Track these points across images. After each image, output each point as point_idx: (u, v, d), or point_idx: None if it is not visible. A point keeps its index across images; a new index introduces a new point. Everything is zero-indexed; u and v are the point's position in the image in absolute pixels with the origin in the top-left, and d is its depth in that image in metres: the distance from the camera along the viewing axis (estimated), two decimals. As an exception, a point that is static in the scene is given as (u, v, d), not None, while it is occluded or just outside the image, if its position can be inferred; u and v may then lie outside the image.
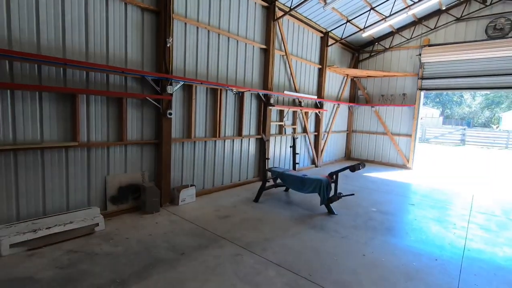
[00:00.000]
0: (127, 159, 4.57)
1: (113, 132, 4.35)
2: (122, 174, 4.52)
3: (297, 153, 6.39)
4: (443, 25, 8.95)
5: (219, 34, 5.73)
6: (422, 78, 9.46)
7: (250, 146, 6.85)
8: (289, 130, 8.11)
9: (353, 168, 4.73)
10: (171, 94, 4.82)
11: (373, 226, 4.51)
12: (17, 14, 3.33)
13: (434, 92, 9.63)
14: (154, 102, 4.71)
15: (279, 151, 7.77)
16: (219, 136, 5.95)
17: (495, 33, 8.13)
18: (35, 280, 2.74)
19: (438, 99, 43.60)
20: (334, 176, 5.03)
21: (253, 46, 6.55)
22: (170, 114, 4.80)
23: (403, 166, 10.04)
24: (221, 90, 5.85)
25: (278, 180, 5.78)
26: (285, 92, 7.38)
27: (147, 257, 3.24)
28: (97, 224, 3.86)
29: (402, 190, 6.92)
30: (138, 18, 4.47)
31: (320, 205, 5.02)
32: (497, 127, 33.05)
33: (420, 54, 9.29)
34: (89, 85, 4.01)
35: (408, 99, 9.86)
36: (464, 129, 23.73)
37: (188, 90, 5.30)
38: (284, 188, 6.35)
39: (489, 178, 9.08)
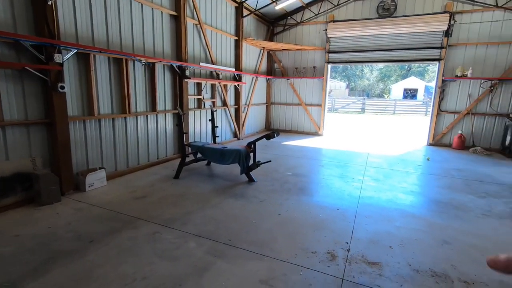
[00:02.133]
0: (7, 143, 3.76)
1: (-19, 111, 3.49)
2: (2, 162, 3.73)
3: (217, 126, 6.34)
4: (344, 2, 9.79)
5: (118, -5, 5.01)
6: (329, 52, 10.34)
7: (167, 122, 6.47)
8: (208, 103, 7.94)
9: (268, 137, 4.97)
10: (61, 64, 4.08)
11: (288, 188, 4.92)
12: None
13: (339, 65, 10.68)
14: (39, 74, 3.91)
15: (199, 125, 7.59)
16: (129, 112, 5.42)
17: (384, 12, 9.33)
18: None
19: (344, 73, 48.76)
20: (252, 146, 5.20)
21: (162, 12, 5.98)
22: (63, 88, 4.09)
23: (316, 134, 11.11)
24: (127, 60, 5.24)
25: (199, 155, 5.68)
26: (201, 64, 7.10)
27: (45, 252, 2.83)
28: (-28, 225, 3.15)
29: (314, 155, 7.68)
30: (0, -36, 3.52)
31: (241, 174, 5.18)
32: (387, 97, 39.08)
33: (326, 29, 10.06)
34: None
35: (318, 72, 10.71)
36: (364, 99, 27.44)
37: (84, 59, 4.57)
38: (206, 162, 6.32)
39: (379, 139, 10.85)
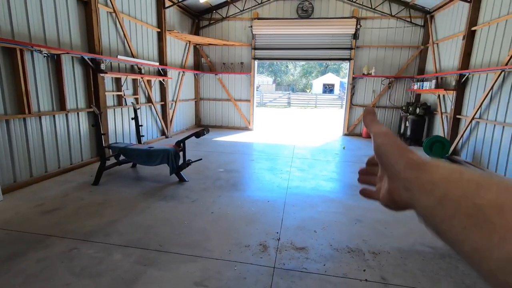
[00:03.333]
0: None
1: None
2: None
3: (141, 125, 5.91)
4: (267, 1, 10.16)
5: (4, -29, 4.15)
6: (255, 49, 10.62)
7: (81, 122, 5.74)
8: (130, 100, 7.33)
9: (197, 134, 4.87)
10: None
11: (220, 185, 4.94)
12: None
13: (265, 61, 11.09)
14: None
15: (121, 124, 6.95)
16: (29, 112, 4.61)
17: (303, 13, 10.01)
18: None
19: (271, 69, 50.87)
20: (181, 144, 5.03)
21: (65, -4, 5.21)
22: None
23: (246, 128, 11.37)
24: (22, 50, 4.42)
25: (123, 157, 5.22)
26: (119, 57, 6.47)
27: None
28: None
29: (245, 149, 7.86)
30: None
31: (170, 175, 4.96)
32: (309, 91, 42.38)
33: (251, 26, 10.30)
34: None
35: (245, 68, 10.91)
36: (289, 93, 29.21)
37: (-42, 48, 3.68)
38: (131, 164, 5.84)
39: (303, 131, 11.75)
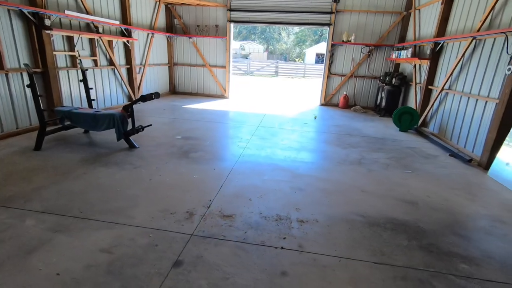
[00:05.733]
0: None
1: None
2: None
3: (91, 88, 5.55)
4: (243, -45, 9.31)
5: None
6: (230, 10, 9.94)
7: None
8: (88, 62, 6.86)
9: (144, 99, 4.57)
10: None
11: (171, 152, 4.76)
12: None
13: (242, 24, 10.47)
14: None
15: (77, 88, 6.53)
16: (-44, 70, 4.21)
17: (281, -29, 9.25)
18: None
19: (263, 36, 48.93)
20: (130, 109, 4.76)
21: None
22: None
23: (222, 96, 11.01)
24: None
25: (68, 122, 4.94)
26: (67, 12, 5.90)
27: None
28: None
29: (213, 117, 7.61)
30: None
31: (117, 140, 4.74)
32: (298, 61, 41.25)
33: (226, -16, 9.54)
34: None
35: (221, 31, 10.29)
36: (277, 62, 28.31)
37: None
38: (83, 130, 5.57)
39: (281, 100, 11.46)
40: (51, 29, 5.49)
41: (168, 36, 10.48)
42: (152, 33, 9.39)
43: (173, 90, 11.28)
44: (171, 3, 10.14)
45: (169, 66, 10.92)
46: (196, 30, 10.43)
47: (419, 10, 8.28)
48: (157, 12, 9.64)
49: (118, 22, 7.52)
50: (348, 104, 10.02)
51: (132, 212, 2.95)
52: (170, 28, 10.55)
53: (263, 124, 7.11)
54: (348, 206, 3.29)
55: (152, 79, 9.88)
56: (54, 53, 5.78)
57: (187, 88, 11.26)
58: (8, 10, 4.93)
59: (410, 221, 3.04)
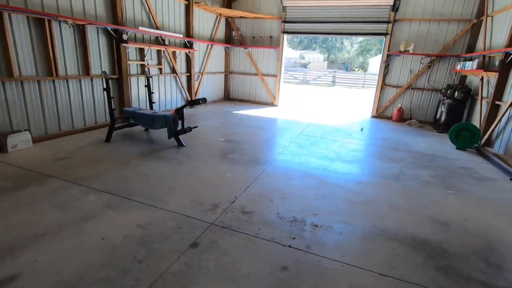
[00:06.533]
0: None
1: None
2: None
3: (153, 92, 6.44)
4: (300, -31, 9.64)
5: (33, -51, 4.77)
6: (285, 22, 10.33)
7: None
8: (154, 70, 7.92)
9: (192, 103, 5.19)
10: (-34, 22, 3.98)
11: (213, 153, 5.25)
12: None
13: (296, 35, 10.73)
14: None
15: (143, 92, 7.58)
16: (57, 75, 5.39)
17: (338, -18, 9.30)
18: None
19: (324, 45, 48.38)
20: (180, 112, 5.41)
21: (91, -30, 5.75)
22: (-30, 47, 4.03)
23: (271, 104, 11.39)
24: (50, 21, 5.12)
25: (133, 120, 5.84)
26: (141, 28, 6.97)
27: None
28: None
29: (259, 123, 8.00)
30: None
31: (168, 138, 5.43)
32: (358, 71, 39.55)
33: (281, -2, 9.97)
34: None
35: (274, 42, 10.74)
36: (335, 71, 27.71)
37: (-4, 18, 4.45)
38: (144, 128, 6.48)
39: (331, 110, 11.32)
40: (127, 43, 6.57)
41: (226, 47, 11.33)
42: (211, 45, 10.30)
43: (227, 97, 12.09)
44: (231, 17, 10.99)
45: (225, 74, 11.77)
46: (252, 41, 11.07)
47: (491, 17, 7.47)
48: (217, 26, 10.55)
49: (182, 35, 8.51)
50: (402, 118, 9.43)
51: (168, 199, 3.44)
52: (229, 40, 11.40)
53: (305, 132, 7.22)
54: (368, 217, 3.27)
55: (209, 86, 10.79)
56: (128, 62, 6.87)
57: (239, 95, 11.96)
58: (97, 28, 6.09)
59: (433, 241, 2.90)
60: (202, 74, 10.11)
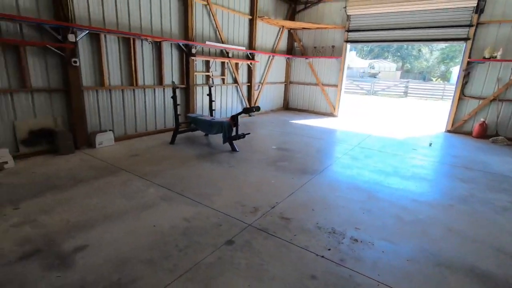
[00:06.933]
0: (34, 105, 4.89)
1: (14, 78, 4.60)
2: (31, 119, 4.88)
3: (213, 101, 6.98)
4: (367, -23, 9.33)
5: (126, -19, 5.76)
6: (348, 31, 10.07)
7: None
8: (217, 80, 8.58)
9: (246, 111, 5.50)
10: (74, 43, 5.03)
11: (263, 159, 5.42)
12: None
13: (359, 44, 10.35)
14: (57, 51, 4.92)
15: (206, 100, 8.26)
16: (137, 85, 6.32)
17: (409, -13, 8.70)
18: None
19: (398, 53, 44.97)
20: (235, 119, 5.76)
21: (169, -6, 6.63)
22: (75, 62, 5.07)
23: (330, 114, 11.12)
24: (134, 39, 6.07)
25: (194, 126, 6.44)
26: (207, 42, 7.67)
27: (45, 185, 3.86)
28: (6, 162, 4.34)
29: (314, 133, 7.92)
30: (26, -38, 4.46)
31: (223, 143, 5.82)
32: (436, 80, 35.42)
33: (346, 7, 9.77)
34: (-21, 32, 4.15)
35: (336, 51, 10.54)
36: (407, 81, 25.44)
37: (96, 39, 5.49)
38: (205, 133, 7.05)
39: (397, 122, 10.44)
40: (195, 56, 7.32)
41: (287, 58, 11.56)
42: (273, 56, 10.65)
43: (286, 106, 12.25)
44: (293, 29, 11.22)
45: (285, 84, 11.98)
46: (313, 51, 11.07)
47: None
48: (279, 37, 10.88)
49: (244, 48, 9.05)
50: (485, 134, 8.16)
51: (214, 198, 3.70)
52: (290, 50, 11.62)
53: (362, 144, 6.86)
54: (419, 239, 2.97)
55: (268, 95, 11.13)
56: (195, 73, 7.62)
57: (298, 104, 11.99)
58: (171, 44, 6.95)
59: (498, 274, 2.48)
60: (262, 84, 10.51)
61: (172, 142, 6.14)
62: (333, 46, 10.56)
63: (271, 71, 10.84)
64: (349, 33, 10.08)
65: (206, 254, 2.57)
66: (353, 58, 40.13)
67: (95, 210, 3.26)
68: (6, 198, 3.44)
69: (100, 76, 5.68)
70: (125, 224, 3.02)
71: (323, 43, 10.79)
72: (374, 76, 39.33)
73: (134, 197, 3.64)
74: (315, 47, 11.00)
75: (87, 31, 5.20)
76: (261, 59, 10.19)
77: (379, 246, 2.83)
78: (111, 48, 5.78)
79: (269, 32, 10.37)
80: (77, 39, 5.10)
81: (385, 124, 9.98)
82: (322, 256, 2.62)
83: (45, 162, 4.73)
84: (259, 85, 10.40)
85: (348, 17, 9.92)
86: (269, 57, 10.61)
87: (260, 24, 9.72)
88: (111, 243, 2.68)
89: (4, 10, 4.32)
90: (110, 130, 5.88)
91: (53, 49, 4.87)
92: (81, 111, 5.39)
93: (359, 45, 12.79)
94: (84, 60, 5.36)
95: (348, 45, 10.32)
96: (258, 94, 10.40)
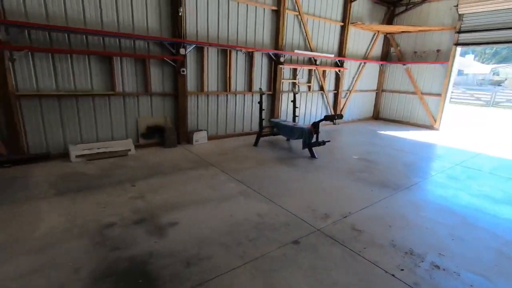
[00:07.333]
0: (152, 106, 6.08)
1: (140, 85, 5.84)
2: (149, 117, 6.09)
3: (297, 107, 7.16)
4: (489, -32, 7.95)
5: (228, 0, 6.55)
6: (460, 32, 8.75)
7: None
8: (303, 87, 8.75)
9: (327, 118, 5.47)
10: (184, 55, 6.03)
11: (342, 168, 5.30)
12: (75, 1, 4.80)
13: (471, 47, 8.84)
14: (171, 62, 6.00)
15: (290, 106, 8.52)
16: (229, 91, 7.07)
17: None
18: (87, 173, 4.49)
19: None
20: (316, 126, 5.79)
21: (264, 8, 7.18)
22: (183, 71, 6.07)
23: (429, 127, 9.82)
24: (230, 50, 6.83)
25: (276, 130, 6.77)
26: (296, 51, 7.92)
27: (154, 170, 4.77)
28: (130, 150, 5.55)
29: (404, 146, 7.20)
30: (156, -7, 5.63)
31: (302, 149, 5.93)
32: None
33: (457, 5, 8.53)
34: (122, 49, 5.46)
35: (442, 56, 9.29)
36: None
37: (200, 51, 6.43)
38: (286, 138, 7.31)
39: (525, 142, 8.43)
40: (283, 64, 7.68)
41: (381, 64, 10.81)
42: (364, 62, 10.15)
43: (376, 116, 11.43)
44: (390, 33, 10.44)
45: (376, 92, 11.22)
46: (412, 57, 10.04)
47: None
48: (373, 43, 10.30)
49: (333, 55, 8.94)
50: None
51: (287, 199, 3.87)
52: (385, 56, 10.83)
53: (466, 163, 5.88)
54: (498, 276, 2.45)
55: (356, 104, 10.63)
56: (282, 80, 7.98)
57: (391, 114, 11.03)
58: (261, 53, 7.50)
59: None
60: (350, 92, 10.13)
61: (256, 144, 6.61)
62: (438, 50, 9.35)
63: (361, 79, 10.35)
64: (460, 35, 8.75)
65: (272, 248, 2.76)
66: (469, 63, 34.10)
67: (187, 195, 3.87)
68: (127, 177, 4.43)
69: (200, 83, 6.62)
70: (208, 210, 3.49)
71: (426, 47, 9.67)
72: (498, 84, 32.43)
73: (218, 188, 4.14)
74: (415, 52, 9.95)
75: (194, 45, 6.17)
76: (350, 66, 9.85)
77: (466, 278, 2.46)
78: (212, 58, 6.66)
79: (361, 38, 9.95)
80: (186, 52, 6.09)
81: (503, 143, 8.21)
82: (393, 275, 2.47)
83: (155, 152, 5.82)
84: (346, 93, 10.07)
85: (460, 16, 8.64)
86: (360, 64, 10.16)
87: (352, 31, 9.43)
88: (196, 224, 3.16)
89: (140, 32, 5.55)
90: (204, 130, 6.76)
91: (169, 61, 5.97)
92: (184, 112, 6.40)
93: (472, 48, 10.89)
94: (190, 69, 6.36)
95: (459, 48, 8.96)
96: (345, 102, 10.07)
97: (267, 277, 2.38)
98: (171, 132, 6.15)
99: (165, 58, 5.88)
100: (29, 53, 4.62)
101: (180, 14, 5.77)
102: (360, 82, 10.42)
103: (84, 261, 2.48)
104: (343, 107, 10.03)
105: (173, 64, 6.04)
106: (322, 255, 2.70)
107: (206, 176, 4.63)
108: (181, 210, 3.45)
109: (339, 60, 9.27)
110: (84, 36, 5.05)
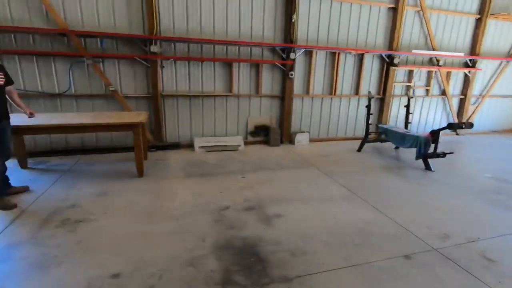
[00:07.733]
0: (261, 107, 6.60)
1: (253, 87, 6.42)
2: (257, 117, 6.64)
3: (411, 113, 6.43)
4: None
5: (341, 2, 6.47)
6: None
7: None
8: (419, 91, 7.79)
9: (451, 127, 4.73)
10: (293, 59, 6.31)
11: (466, 186, 4.51)
12: (208, 15, 5.73)
13: None
14: (281, 66, 6.38)
15: (401, 112, 7.71)
16: (335, 94, 6.98)
17: None
18: (207, 162, 5.28)
19: None
20: (436, 135, 5.10)
21: (379, 7, 6.77)
22: (291, 75, 6.35)
23: None
24: (339, 53, 6.73)
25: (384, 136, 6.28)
26: (413, 51, 7.13)
27: (260, 165, 5.19)
28: (239, 145, 6.20)
29: None
30: (272, 4, 6.08)
31: (416, 159, 5.31)
32: None
33: None
34: (240, 56, 6.16)
35: None
36: None
37: (308, 55, 6.59)
38: (395, 146, 6.69)
39: None
40: (397, 66, 7.06)
41: (533, 63, 8.56)
42: (507, 61, 8.26)
43: (520, 128, 9.13)
44: (551, 23, 8.15)
45: (522, 99, 8.95)
46: None
47: None
48: (523, 37, 8.26)
49: (462, 54, 7.63)
50: None
51: (395, 211, 3.58)
52: (540, 53, 8.52)
53: None
54: None
55: (490, 112, 8.76)
56: (394, 84, 7.34)
57: (544, 127, 8.60)
58: (372, 55, 7.09)
59: None
60: (483, 97, 8.43)
61: (360, 149, 6.31)
62: None
63: (500, 81, 8.46)
64: None
65: (379, 258, 2.63)
66: None
67: (290, 191, 4.07)
68: (238, 169, 4.97)
69: (307, 86, 6.78)
70: (310, 208, 3.59)
71: None
72: None
73: (320, 189, 4.19)
74: None
75: (303, 50, 6.37)
76: (486, 66, 8.19)
77: None
78: (319, 61, 6.73)
79: (504, 32, 8.13)
80: (296, 56, 6.35)
81: None
82: (541, 321, 1.99)
83: (260, 149, 6.30)
84: (477, 98, 8.42)
85: None
86: (500, 63, 8.32)
87: (492, 23, 7.82)
88: (299, 219, 3.31)
89: (256, 39, 6.13)
90: (307, 132, 6.89)
91: (279, 65, 6.36)
92: (289, 114, 6.69)
93: None
94: (297, 73, 6.59)
95: None
96: (475, 109, 8.44)
97: (374, 285, 2.30)
98: (276, 132, 6.53)
99: (276, 63, 6.29)
100: (173, 61, 5.76)
101: (293, 20, 6.07)
102: (499, 86, 8.53)
103: (208, 233, 2.96)
104: (471, 115, 8.43)
105: (283, 68, 6.40)
106: (439, 276, 2.41)
107: (308, 176, 4.74)
108: (285, 205, 3.66)
109: (470, 60, 7.84)
110: (212, 46, 5.92)
